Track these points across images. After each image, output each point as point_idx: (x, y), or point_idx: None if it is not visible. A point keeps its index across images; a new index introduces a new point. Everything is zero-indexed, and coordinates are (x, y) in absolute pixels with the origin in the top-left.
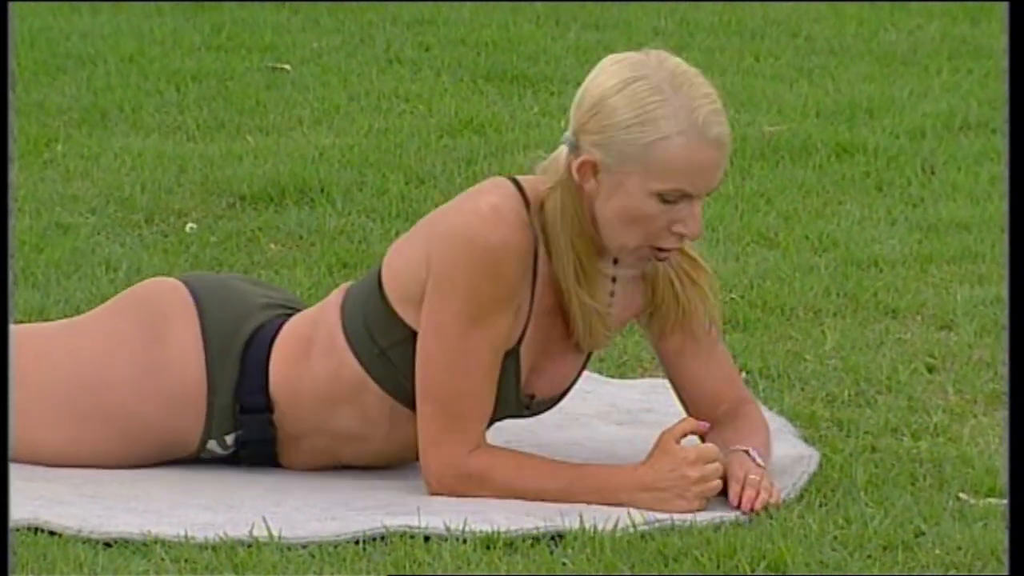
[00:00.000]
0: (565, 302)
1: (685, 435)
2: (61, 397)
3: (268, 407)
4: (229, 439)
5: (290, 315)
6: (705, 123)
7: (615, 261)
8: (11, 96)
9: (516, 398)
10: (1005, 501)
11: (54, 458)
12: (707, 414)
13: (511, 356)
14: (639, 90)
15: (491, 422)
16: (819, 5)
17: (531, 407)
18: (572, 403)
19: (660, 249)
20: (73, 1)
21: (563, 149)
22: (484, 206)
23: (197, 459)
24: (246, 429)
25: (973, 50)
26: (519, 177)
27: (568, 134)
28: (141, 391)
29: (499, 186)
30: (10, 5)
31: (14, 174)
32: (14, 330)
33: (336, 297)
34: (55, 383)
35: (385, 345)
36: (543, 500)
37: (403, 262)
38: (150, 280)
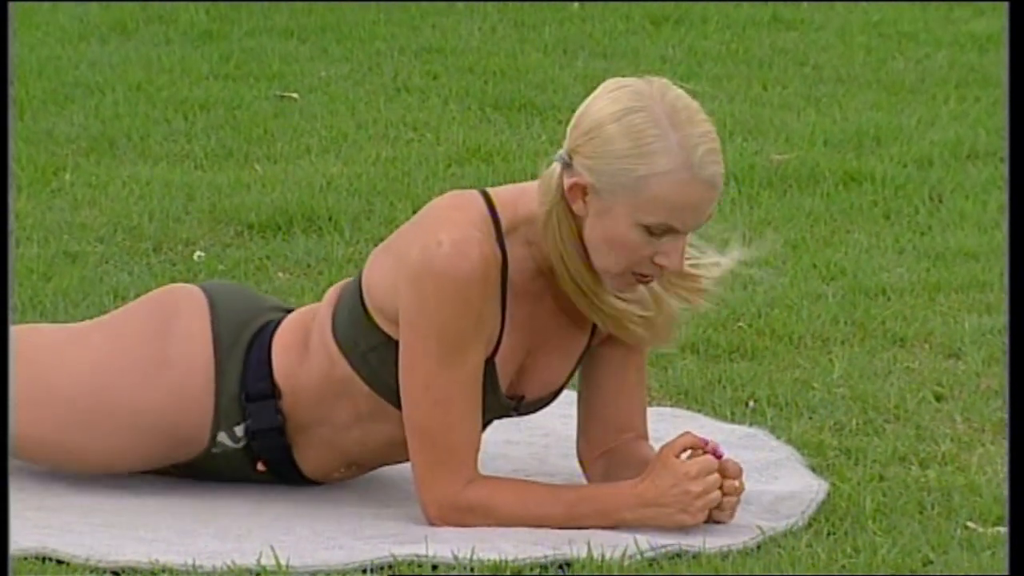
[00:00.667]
0: (587, 308)
1: (685, 450)
2: (70, 397)
3: (274, 393)
4: (239, 430)
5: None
6: (700, 163)
7: None
8: (11, 100)
9: (499, 403)
10: (1006, 529)
11: (65, 460)
12: (612, 436)
13: (488, 366)
14: (637, 121)
15: (483, 426)
16: (827, 34)
17: (520, 409)
18: (570, 428)
19: (642, 275)
20: None
21: (556, 167)
22: (445, 241)
23: (213, 464)
24: (254, 418)
25: (981, 79)
26: (491, 190)
27: (562, 152)
28: (148, 385)
29: (463, 208)
30: (18, 33)
31: (22, 202)
32: (25, 330)
33: (332, 295)
34: (65, 383)
35: (366, 348)
36: (546, 526)
37: (377, 278)
38: (166, 286)
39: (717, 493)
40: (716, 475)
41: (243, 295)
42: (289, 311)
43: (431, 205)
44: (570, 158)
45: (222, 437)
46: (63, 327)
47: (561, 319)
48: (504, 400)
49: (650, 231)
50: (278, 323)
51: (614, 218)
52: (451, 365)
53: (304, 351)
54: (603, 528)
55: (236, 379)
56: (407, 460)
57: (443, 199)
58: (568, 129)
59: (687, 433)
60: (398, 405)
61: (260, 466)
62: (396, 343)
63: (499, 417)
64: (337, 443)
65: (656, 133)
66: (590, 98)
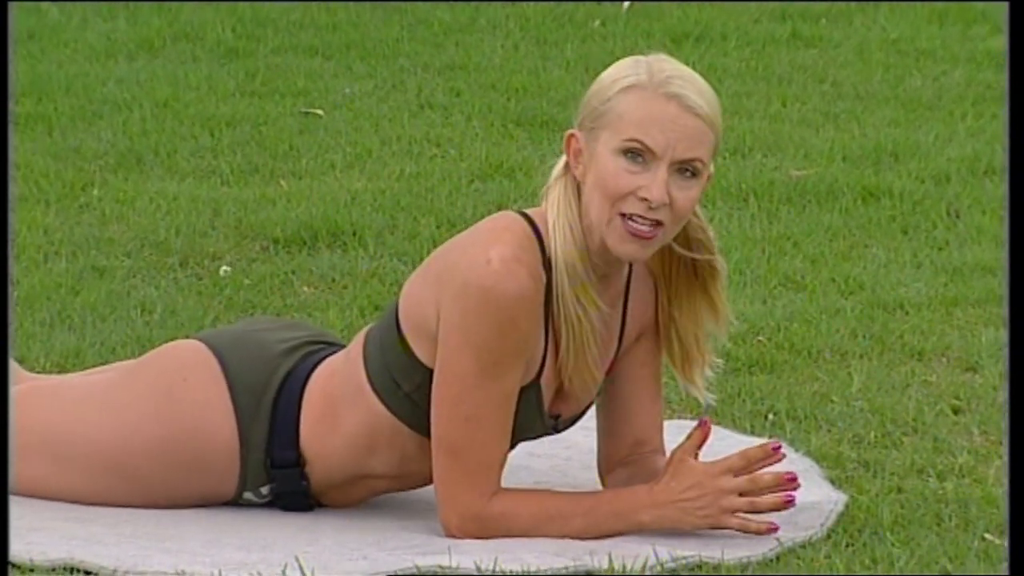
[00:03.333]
0: (555, 320)
1: (698, 449)
2: (95, 464)
3: (299, 461)
4: (264, 490)
5: (315, 351)
6: (667, 80)
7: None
8: (11, 99)
9: (542, 423)
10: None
11: (94, 503)
12: (629, 450)
13: (531, 389)
14: (622, 63)
15: (518, 443)
16: (846, 52)
17: (558, 427)
18: (591, 440)
19: (632, 220)
20: None
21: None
22: (495, 259)
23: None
24: (279, 482)
25: (997, 96)
26: (532, 213)
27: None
28: (170, 460)
29: (511, 229)
30: (47, 51)
31: (51, 217)
32: (34, 388)
33: (357, 347)
34: (86, 452)
35: (408, 389)
36: (568, 534)
37: (415, 300)
38: (168, 344)
39: (742, 501)
40: (737, 480)
41: (251, 347)
42: (300, 345)
43: (476, 227)
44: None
45: (248, 495)
46: (65, 391)
47: (597, 336)
48: (548, 420)
49: (626, 154)
50: (302, 373)
51: (598, 158)
52: (486, 382)
53: (335, 418)
54: (622, 531)
55: (261, 446)
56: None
57: (488, 220)
58: None
59: (695, 433)
60: None
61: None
62: None
63: (540, 436)
64: (368, 490)
65: (632, 64)
66: None
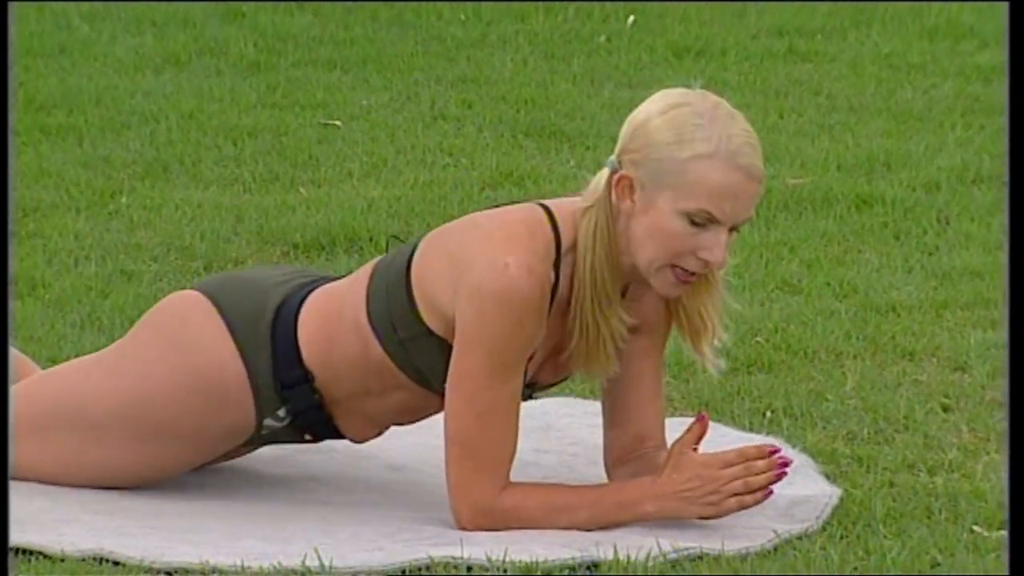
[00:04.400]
0: (569, 322)
1: (697, 442)
2: (117, 430)
3: (307, 378)
4: (281, 412)
5: (307, 284)
6: (738, 151)
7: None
8: (11, 99)
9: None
10: (1006, 532)
11: (129, 477)
12: (634, 446)
13: None
14: (681, 114)
15: None
16: (840, 66)
17: (533, 395)
18: (597, 437)
19: (684, 271)
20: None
21: (604, 171)
22: (513, 265)
23: (264, 441)
24: (293, 402)
25: (985, 108)
26: (555, 209)
27: (612, 158)
28: (188, 403)
29: (532, 232)
30: (77, 64)
31: (81, 223)
32: (45, 372)
33: (363, 278)
34: (107, 421)
35: (404, 336)
36: (575, 525)
37: (428, 270)
38: (161, 300)
39: (737, 483)
40: (734, 469)
41: (241, 283)
42: (292, 279)
43: (502, 218)
44: (619, 162)
45: (268, 422)
46: (86, 372)
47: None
48: (524, 391)
49: (692, 220)
50: (297, 305)
51: (657, 210)
52: (498, 381)
53: (331, 337)
54: (627, 522)
55: (268, 371)
56: (431, 415)
57: (514, 214)
58: (619, 138)
59: (694, 426)
60: (427, 387)
61: (308, 436)
62: (436, 336)
63: None
64: (371, 410)
65: (698, 123)
66: (640, 106)
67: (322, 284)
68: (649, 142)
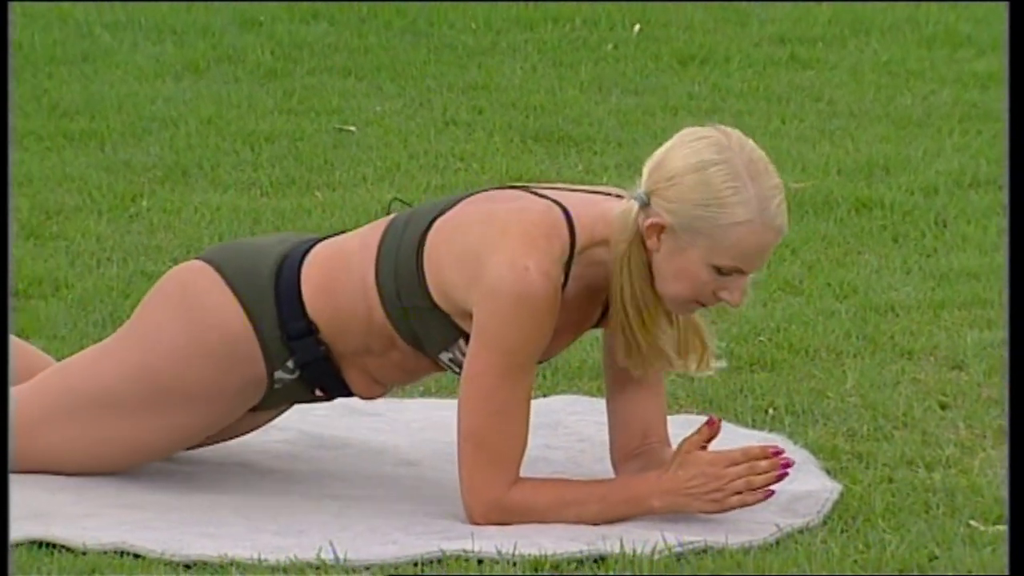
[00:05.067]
0: (622, 344)
1: (705, 444)
2: (136, 401)
3: (311, 329)
4: (290, 364)
5: (307, 241)
6: (774, 214)
7: None
8: (10, 99)
9: None
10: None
11: (155, 449)
12: (637, 441)
13: None
14: (718, 173)
15: None
16: (841, 73)
17: None
18: (604, 434)
19: (702, 304)
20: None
21: (633, 205)
22: (532, 268)
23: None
24: (300, 353)
25: (982, 114)
26: (573, 210)
27: (641, 192)
28: (199, 363)
29: (549, 235)
30: (99, 72)
31: (103, 226)
32: (61, 363)
33: (375, 236)
34: (125, 394)
35: (408, 304)
36: (583, 519)
37: (446, 264)
38: (169, 271)
39: (740, 482)
40: (738, 468)
41: (239, 245)
42: (293, 240)
43: (522, 216)
44: (648, 199)
45: (279, 374)
46: (87, 353)
47: (582, 308)
48: None
49: (719, 271)
50: (299, 259)
51: (688, 257)
52: (511, 380)
53: (336, 294)
54: (633, 516)
55: (274, 323)
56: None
57: (532, 214)
58: (645, 171)
59: (703, 428)
60: (420, 350)
61: (318, 391)
62: (439, 312)
63: None
64: (372, 368)
65: (736, 186)
66: (669, 145)
67: (322, 240)
68: (686, 198)
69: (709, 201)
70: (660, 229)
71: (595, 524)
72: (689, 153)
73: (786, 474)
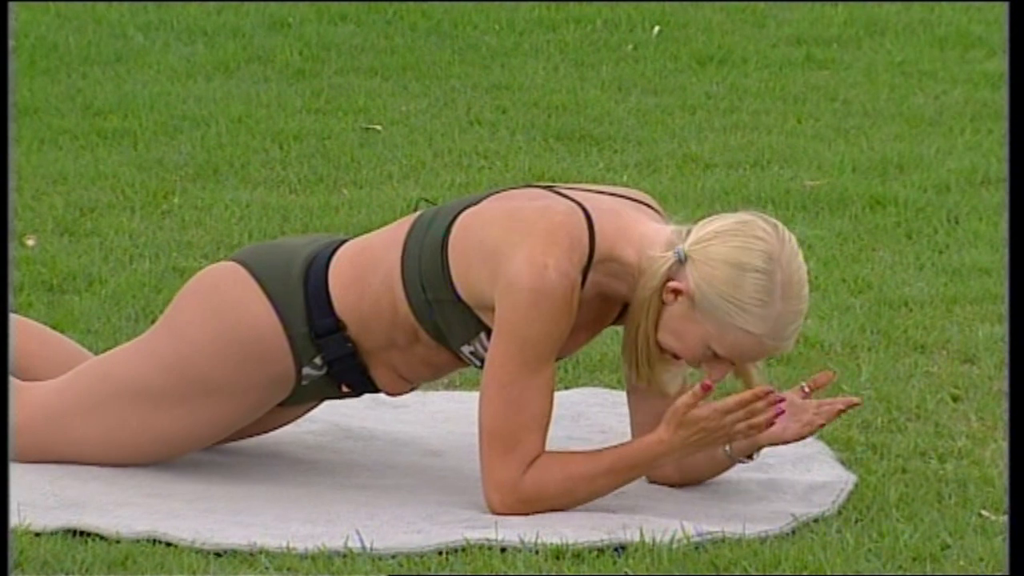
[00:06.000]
0: (628, 360)
1: (699, 402)
2: (170, 396)
3: (339, 326)
4: (318, 360)
5: (335, 241)
6: (785, 335)
7: None
8: (11, 98)
9: None
10: (1005, 517)
11: (186, 442)
12: None
13: None
14: (755, 282)
15: None
16: (855, 73)
17: None
18: (625, 425)
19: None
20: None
21: (670, 257)
22: (552, 266)
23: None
24: (327, 349)
25: (993, 113)
26: (596, 219)
27: (683, 248)
28: (230, 359)
29: (571, 235)
30: (132, 72)
31: (136, 223)
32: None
33: (401, 231)
34: (160, 388)
35: (432, 297)
36: (596, 492)
37: (470, 259)
38: (197, 273)
39: (741, 425)
40: (736, 414)
41: (269, 246)
42: (321, 240)
43: (545, 217)
44: (685, 259)
45: (307, 371)
46: (122, 346)
47: (599, 309)
48: None
49: (714, 353)
50: (327, 258)
51: (691, 329)
52: (530, 371)
53: (363, 289)
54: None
55: (302, 321)
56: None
57: (556, 216)
58: (695, 230)
59: (691, 392)
60: (444, 344)
61: (345, 388)
62: (463, 305)
63: None
64: (398, 363)
65: (764, 300)
66: (728, 222)
67: (349, 240)
68: (715, 284)
69: (734, 300)
70: (680, 293)
71: (608, 493)
72: (740, 248)
73: (782, 410)
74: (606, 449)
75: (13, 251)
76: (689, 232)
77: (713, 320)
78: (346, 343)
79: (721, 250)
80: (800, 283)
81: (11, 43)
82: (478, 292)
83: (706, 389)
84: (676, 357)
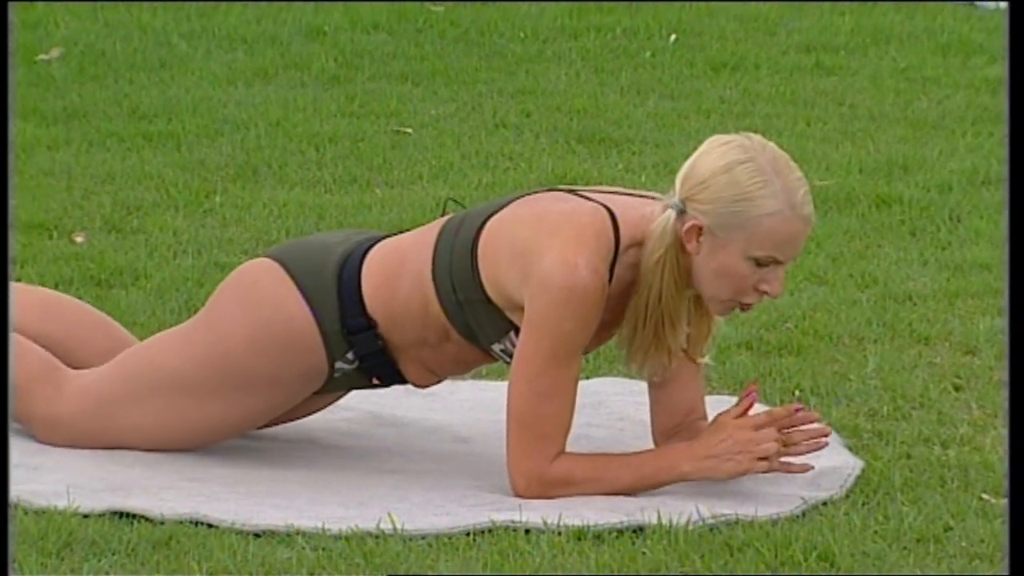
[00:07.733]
0: (628, 337)
1: (742, 415)
2: (208, 387)
3: (370, 325)
4: (350, 356)
5: (367, 240)
6: (800, 203)
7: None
8: (11, 100)
9: None
10: (1005, 500)
11: (223, 429)
12: (679, 419)
13: None
14: (746, 171)
15: None
16: (862, 79)
17: None
18: (643, 413)
19: (744, 304)
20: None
21: (670, 214)
22: (583, 265)
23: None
24: (359, 346)
25: (993, 116)
26: (619, 212)
27: (676, 200)
28: (265, 352)
29: (599, 236)
30: (176, 77)
31: (179, 220)
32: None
33: (431, 233)
34: (198, 380)
35: (462, 298)
36: (620, 489)
37: (500, 261)
38: (236, 269)
39: (770, 445)
40: (765, 431)
41: (304, 243)
42: (356, 237)
43: (572, 218)
44: (683, 205)
45: (339, 364)
46: (163, 334)
47: (623, 305)
48: None
49: (758, 262)
50: (360, 258)
51: (728, 253)
52: (558, 365)
53: (394, 289)
54: (667, 483)
55: (335, 319)
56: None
57: (582, 216)
58: (677, 181)
59: (741, 401)
60: (474, 343)
61: (375, 380)
62: (492, 306)
63: None
64: (428, 359)
65: (763, 179)
66: (698, 154)
67: (382, 240)
68: (718, 198)
69: (740, 197)
70: (699, 231)
71: (632, 493)
72: (717, 157)
73: (823, 445)
74: (635, 452)
75: (13, 251)
76: (673, 192)
77: (737, 228)
78: (377, 340)
79: (705, 170)
80: (784, 157)
81: (11, 44)
82: (508, 293)
83: (750, 396)
84: (723, 304)
